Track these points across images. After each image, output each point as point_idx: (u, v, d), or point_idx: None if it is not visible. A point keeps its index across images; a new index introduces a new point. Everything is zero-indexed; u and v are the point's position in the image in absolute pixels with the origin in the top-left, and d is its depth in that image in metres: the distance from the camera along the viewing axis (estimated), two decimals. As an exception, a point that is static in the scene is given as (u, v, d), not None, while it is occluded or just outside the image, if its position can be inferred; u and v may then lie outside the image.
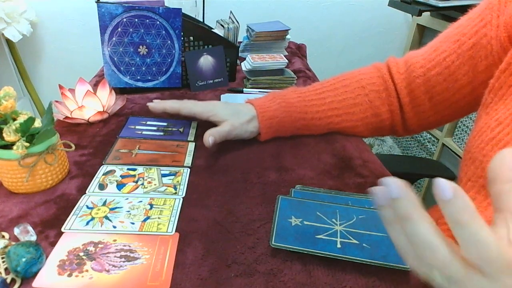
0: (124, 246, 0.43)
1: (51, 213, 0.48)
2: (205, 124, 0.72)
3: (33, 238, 0.44)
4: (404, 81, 0.63)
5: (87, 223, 0.46)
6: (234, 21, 0.95)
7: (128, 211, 0.49)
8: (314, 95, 0.65)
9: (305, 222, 0.46)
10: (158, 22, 0.80)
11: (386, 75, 0.65)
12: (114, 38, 0.79)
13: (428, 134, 1.58)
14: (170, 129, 0.70)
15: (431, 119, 0.64)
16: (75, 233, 0.45)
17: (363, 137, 0.70)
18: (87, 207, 0.49)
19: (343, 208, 0.49)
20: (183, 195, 0.52)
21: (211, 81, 0.90)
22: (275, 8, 1.64)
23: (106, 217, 0.47)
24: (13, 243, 0.41)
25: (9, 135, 0.47)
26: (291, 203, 0.49)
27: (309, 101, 0.64)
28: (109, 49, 0.80)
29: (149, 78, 0.85)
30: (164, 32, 0.81)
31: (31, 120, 0.48)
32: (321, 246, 0.42)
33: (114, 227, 0.46)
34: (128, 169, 0.57)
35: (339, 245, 0.43)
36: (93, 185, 0.54)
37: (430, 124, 0.66)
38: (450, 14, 1.38)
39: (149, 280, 0.39)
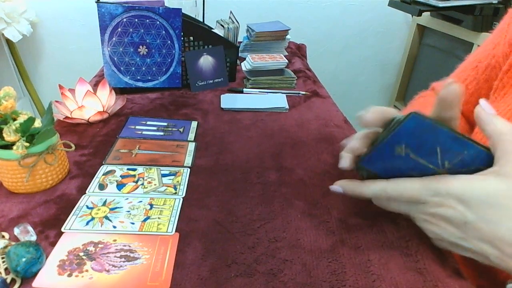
0: (124, 246, 0.43)
1: (51, 213, 0.48)
2: (205, 124, 0.72)
3: (33, 238, 0.44)
4: None
5: (87, 223, 0.46)
6: (234, 21, 0.95)
7: (128, 211, 0.49)
8: None
9: (411, 156, 0.38)
10: (158, 22, 0.80)
11: None
12: (114, 38, 0.79)
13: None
14: (170, 129, 0.70)
15: None
16: (75, 233, 0.45)
17: None
18: (87, 207, 0.49)
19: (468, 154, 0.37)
20: (183, 195, 0.52)
21: (211, 81, 0.90)
22: (275, 8, 1.64)
23: (106, 217, 0.47)
24: (13, 243, 0.41)
25: (9, 135, 0.47)
26: (419, 126, 0.37)
27: None
28: (109, 49, 0.80)
29: (149, 78, 0.85)
30: (164, 32, 0.81)
31: (31, 120, 0.48)
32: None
33: (114, 227, 0.46)
34: (128, 169, 0.57)
35: None
36: (93, 185, 0.54)
37: None
38: (450, 14, 1.38)
39: (149, 280, 0.39)
